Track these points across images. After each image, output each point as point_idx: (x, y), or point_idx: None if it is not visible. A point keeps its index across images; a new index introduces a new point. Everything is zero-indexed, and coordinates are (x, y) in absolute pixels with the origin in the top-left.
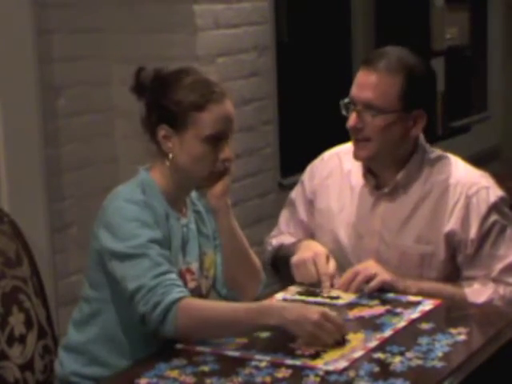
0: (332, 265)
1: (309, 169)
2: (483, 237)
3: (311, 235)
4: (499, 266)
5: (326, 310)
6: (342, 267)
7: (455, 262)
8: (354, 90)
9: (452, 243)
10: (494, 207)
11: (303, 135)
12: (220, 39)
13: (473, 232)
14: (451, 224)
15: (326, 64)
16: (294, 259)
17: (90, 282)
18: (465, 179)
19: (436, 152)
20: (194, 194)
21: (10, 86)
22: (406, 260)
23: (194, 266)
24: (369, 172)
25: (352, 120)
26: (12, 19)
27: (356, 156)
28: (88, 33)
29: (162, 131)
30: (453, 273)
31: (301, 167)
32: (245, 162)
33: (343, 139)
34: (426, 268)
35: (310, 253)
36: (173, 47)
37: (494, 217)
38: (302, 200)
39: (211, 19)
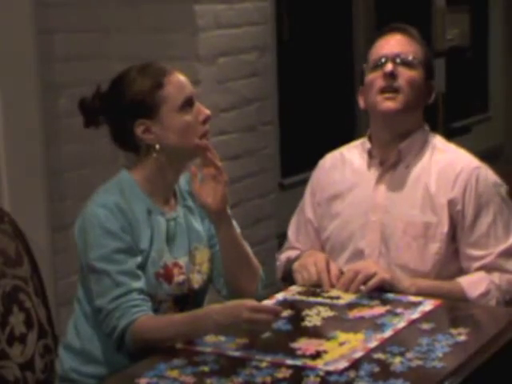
0: (334, 267)
1: (313, 171)
2: (481, 209)
3: (318, 233)
4: (496, 249)
5: (252, 302)
6: (347, 250)
7: (456, 239)
8: (383, 50)
9: (453, 213)
10: (494, 186)
11: (304, 135)
12: (221, 39)
13: (472, 203)
14: (455, 192)
15: (327, 64)
16: (296, 264)
17: (82, 283)
18: (465, 158)
19: (438, 136)
20: (184, 188)
21: (11, 85)
22: (410, 230)
23: (183, 260)
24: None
25: (389, 67)
26: (13, 19)
27: (385, 108)
28: (89, 32)
29: (141, 126)
30: (454, 253)
31: (301, 168)
32: (245, 162)
33: (344, 139)
34: (429, 239)
35: (311, 258)
36: (173, 47)
37: (492, 194)
38: (310, 198)
39: (212, 19)
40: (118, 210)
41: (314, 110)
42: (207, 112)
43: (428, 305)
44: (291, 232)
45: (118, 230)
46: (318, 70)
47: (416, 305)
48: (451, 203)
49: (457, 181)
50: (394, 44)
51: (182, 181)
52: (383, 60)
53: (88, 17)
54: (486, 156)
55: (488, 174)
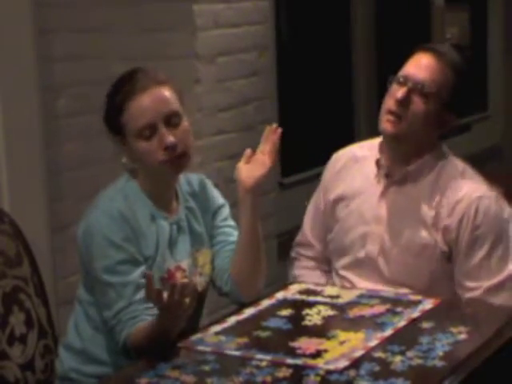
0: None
1: (326, 166)
2: (476, 242)
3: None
4: (486, 284)
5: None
6: (346, 256)
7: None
8: (411, 69)
9: (446, 239)
10: (494, 218)
11: (303, 135)
12: (220, 39)
13: (467, 235)
14: (450, 220)
15: (327, 64)
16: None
17: (84, 284)
18: (470, 185)
19: (452, 157)
20: (185, 189)
21: (10, 85)
22: (408, 248)
23: (185, 264)
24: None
25: (402, 93)
26: (12, 19)
27: (384, 129)
28: (88, 32)
29: (117, 142)
30: (451, 273)
31: (301, 167)
32: None
33: (343, 138)
34: (427, 259)
35: None
36: (173, 47)
37: (491, 227)
38: (323, 194)
39: (211, 18)
40: (122, 218)
41: (313, 109)
42: (170, 140)
43: (428, 304)
44: (307, 225)
45: (122, 240)
46: (317, 69)
47: (416, 304)
48: (445, 230)
49: (455, 208)
50: (421, 68)
51: (183, 182)
52: (403, 80)
53: (87, 16)
54: (484, 155)
55: (491, 205)
